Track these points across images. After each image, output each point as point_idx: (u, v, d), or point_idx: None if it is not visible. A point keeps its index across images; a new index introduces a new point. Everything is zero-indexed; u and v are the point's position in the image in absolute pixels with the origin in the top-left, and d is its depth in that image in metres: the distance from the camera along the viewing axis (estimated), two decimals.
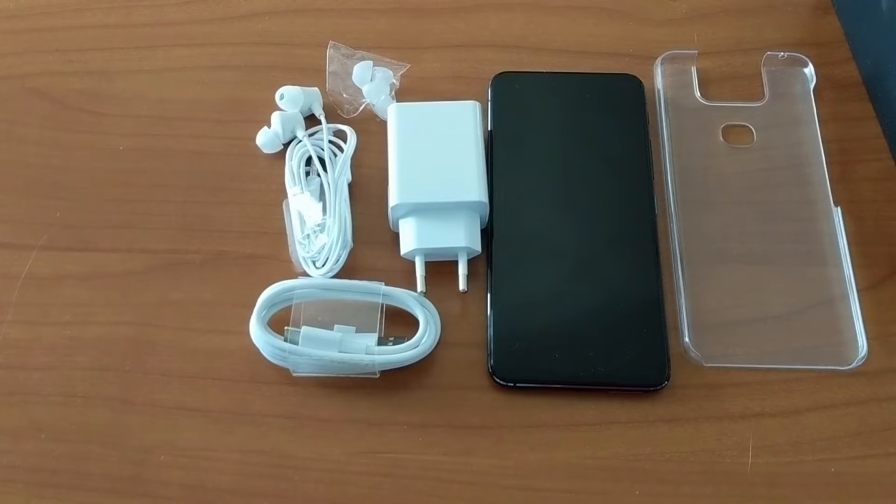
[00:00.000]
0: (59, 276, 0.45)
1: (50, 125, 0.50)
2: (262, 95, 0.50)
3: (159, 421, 0.42)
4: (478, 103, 0.48)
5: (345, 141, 0.48)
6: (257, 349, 0.42)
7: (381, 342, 0.42)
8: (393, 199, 0.44)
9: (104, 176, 0.48)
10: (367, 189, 0.47)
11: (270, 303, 0.42)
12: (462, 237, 0.44)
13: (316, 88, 0.49)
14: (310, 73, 0.51)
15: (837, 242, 0.45)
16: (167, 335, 0.44)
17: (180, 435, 0.42)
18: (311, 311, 0.42)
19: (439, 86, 0.51)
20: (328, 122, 0.48)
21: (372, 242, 0.46)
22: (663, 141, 0.48)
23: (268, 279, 0.43)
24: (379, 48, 0.52)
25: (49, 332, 0.44)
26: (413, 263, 0.45)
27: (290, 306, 0.42)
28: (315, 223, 0.44)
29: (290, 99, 0.48)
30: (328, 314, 0.42)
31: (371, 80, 0.49)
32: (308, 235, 0.44)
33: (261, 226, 0.47)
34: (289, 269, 0.45)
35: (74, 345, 0.44)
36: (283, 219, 0.46)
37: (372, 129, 0.49)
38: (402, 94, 0.50)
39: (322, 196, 0.46)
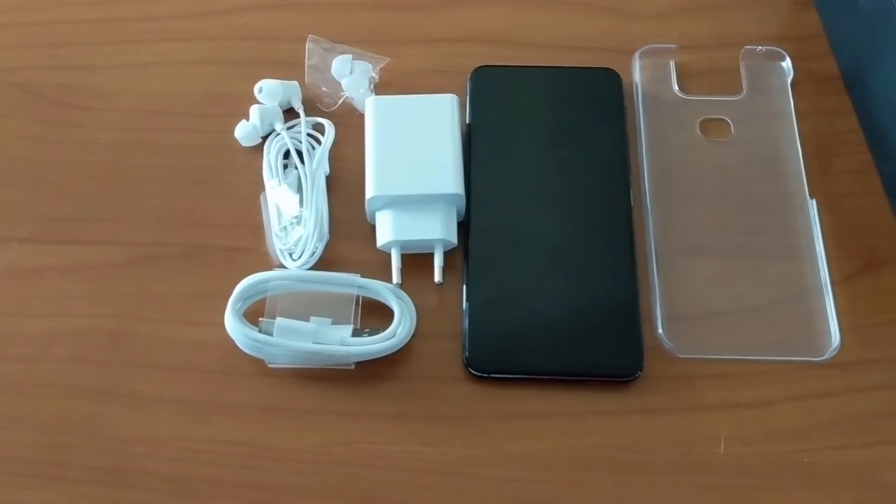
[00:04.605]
0: (40, 269, 0.46)
1: (33, 119, 0.50)
2: (243, 89, 0.50)
3: (138, 412, 0.42)
4: (455, 96, 0.48)
5: (323, 134, 0.48)
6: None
7: (356, 334, 0.42)
8: (369, 192, 0.45)
9: (86, 169, 0.49)
10: (346, 182, 0.48)
11: (245, 294, 0.42)
12: (438, 229, 0.44)
13: (295, 82, 0.50)
14: (292, 68, 0.51)
15: (812, 235, 0.45)
16: (147, 327, 0.44)
17: (158, 426, 0.42)
18: (288, 302, 0.43)
19: (420, 80, 0.51)
20: (308, 115, 0.49)
21: (350, 235, 0.46)
22: (640, 135, 0.49)
23: (247, 271, 0.44)
24: (361, 42, 0.52)
25: (29, 324, 0.44)
26: (390, 256, 0.45)
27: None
28: (292, 215, 0.44)
29: (269, 92, 0.48)
30: (305, 306, 0.43)
31: (350, 74, 0.50)
32: (285, 228, 0.45)
33: (240, 218, 0.47)
34: (268, 261, 0.45)
35: (54, 336, 0.44)
36: (261, 211, 0.47)
37: (351, 123, 0.49)
38: (384, 87, 0.51)
39: (299, 189, 0.46)
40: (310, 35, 0.51)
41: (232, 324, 0.42)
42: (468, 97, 0.49)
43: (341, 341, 0.41)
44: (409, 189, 0.45)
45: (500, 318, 0.43)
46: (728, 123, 0.49)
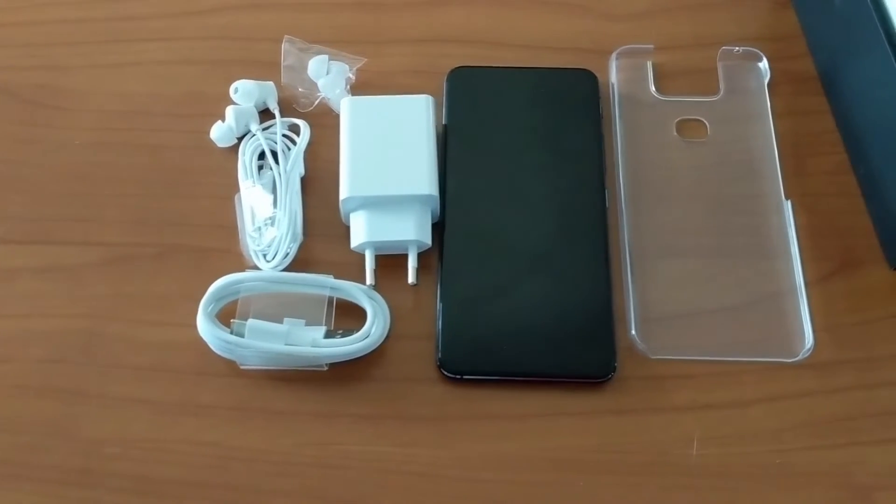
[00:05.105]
0: (14, 269, 0.46)
1: (8, 119, 0.50)
2: (220, 90, 0.50)
3: (110, 413, 0.42)
4: (431, 97, 0.48)
5: (299, 135, 0.48)
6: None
7: (329, 335, 0.42)
8: (343, 193, 0.45)
9: (62, 170, 0.49)
10: (322, 182, 0.48)
11: (218, 296, 0.42)
12: (412, 230, 0.44)
13: (271, 82, 0.50)
14: (270, 68, 0.51)
15: (787, 236, 0.45)
16: (120, 328, 0.44)
17: (130, 426, 0.42)
18: (262, 304, 0.43)
19: (398, 80, 0.51)
20: (284, 116, 0.49)
21: (326, 236, 0.46)
22: (617, 136, 0.48)
23: (221, 272, 0.44)
24: (340, 42, 0.52)
25: (2, 324, 0.44)
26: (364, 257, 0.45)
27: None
28: (265, 216, 0.44)
29: (244, 93, 0.48)
30: (279, 307, 0.43)
31: (326, 74, 0.50)
32: (259, 229, 0.44)
33: (215, 219, 0.47)
34: (243, 262, 0.45)
35: (27, 337, 0.44)
36: (236, 212, 0.47)
37: (328, 123, 0.49)
38: (361, 87, 0.50)
39: (274, 190, 0.46)
40: (286, 35, 0.51)
41: (203, 325, 0.41)
42: (445, 98, 0.49)
43: (313, 342, 0.41)
44: (383, 190, 0.45)
45: (473, 320, 0.43)
46: (705, 124, 0.49)
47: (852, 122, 0.48)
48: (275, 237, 0.44)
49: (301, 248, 0.45)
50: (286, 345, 0.41)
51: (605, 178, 0.47)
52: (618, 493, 0.41)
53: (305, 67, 0.50)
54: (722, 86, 0.50)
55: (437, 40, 0.53)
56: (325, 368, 0.42)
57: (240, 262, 0.45)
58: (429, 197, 0.45)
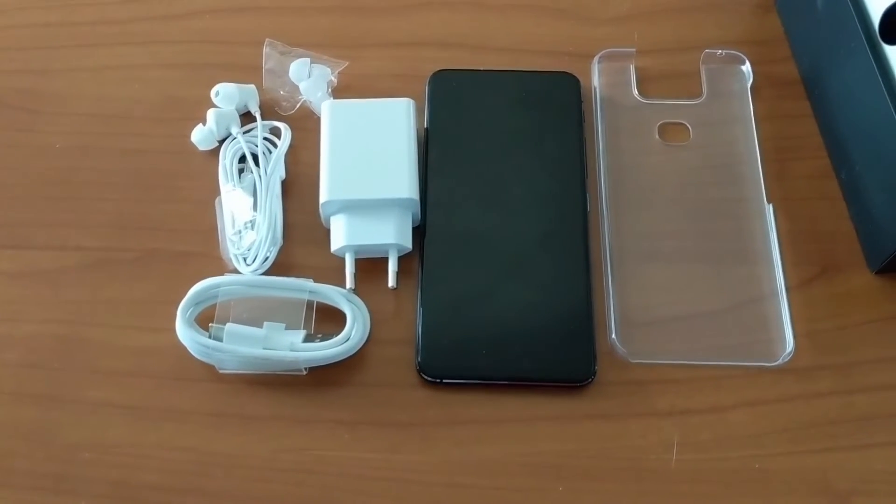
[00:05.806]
0: None
1: None
2: (201, 93, 0.50)
3: (86, 418, 0.42)
4: (412, 101, 0.48)
5: (280, 138, 0.47)
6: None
7: (309, 339, 0.42)
8: (323, 196, 0.44)
9: (41, 174, 0.48)
10: (303, 186, 0.47)
11: (196, 300, 0.42)
12: (392, 234, 0.44)
13: (252, 86, 0.49)
14: (250, 71, 0.51)
15: (769, 240, 0.45)
16: (98, 333, 0.44)
17: (107, 432, 0.42)
18: (242, 308, 0.42)
19: (380, 83, 0.51)
20: (266, 119, 0.49)
21: (307, 239, 0.46)
22: (598, 139, 0.48)
23: (200, 276, 0.43)
24: (321, 46, 0.52)
25: None
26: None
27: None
28: (245, 220, 0.44)
29: (225, 96, 0.48)
30: (259, 311, 0.42)
31: (308, 78, 0.49)
32: (239, 232, 0.44)
33: (195, 223, 0.47)
34: (222, 266, 0.45)
35: (4, 342, 0.44)
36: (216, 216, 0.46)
37: (309, 127, 0.49)
38: (343, 91, 0.50)
39: (254, 193, 0.46)
40: (267, 39, 0.51)
41: (182, 329, 0.41)
42: (426, 101, 0.49)
43: (292, 347, 0.41)
44: (363, 193, 0.44)
45: (453, 324, 0.43)
46: (687, 127, 0.49)
47: (835, 126, 0.48)
48: (254, 241, 0.44)
49: (281, 251, 0.45)
50: (264, 349, 0.41)
51: (586, 182, 0.47)
52: (597, 498, 0.40)
53: (287, 71, 0.50)
54: (704, 89, 0.50)
55: (419, 44, 0.53)
56: (305, 373, 0.42)
57: (219, 265, 0.45)
58: (409, 200, 0.44)
